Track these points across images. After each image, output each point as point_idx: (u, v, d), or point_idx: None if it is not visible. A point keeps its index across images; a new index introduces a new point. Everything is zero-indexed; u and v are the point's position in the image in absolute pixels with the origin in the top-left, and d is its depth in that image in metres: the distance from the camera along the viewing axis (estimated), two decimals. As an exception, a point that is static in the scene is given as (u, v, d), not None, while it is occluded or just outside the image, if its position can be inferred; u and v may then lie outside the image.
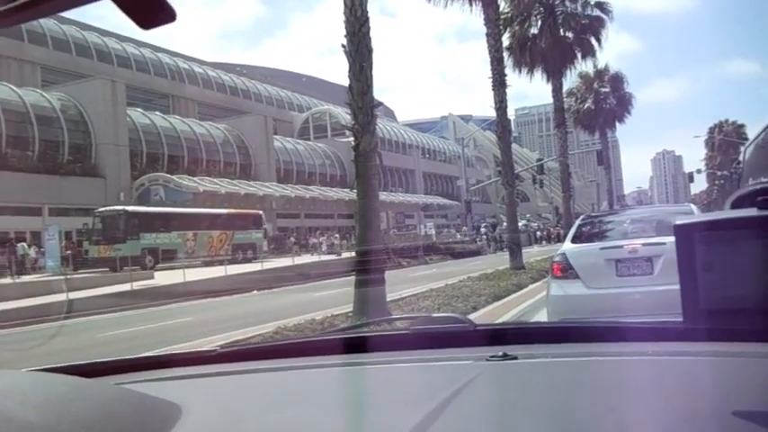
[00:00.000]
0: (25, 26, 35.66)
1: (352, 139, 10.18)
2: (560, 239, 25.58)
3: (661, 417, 0.86)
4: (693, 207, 8.85)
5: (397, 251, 31.21)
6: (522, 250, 19.61)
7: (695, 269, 0.90)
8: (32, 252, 27.34)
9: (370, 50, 9.94)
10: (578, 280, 6.29)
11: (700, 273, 0.90)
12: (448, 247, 38.52)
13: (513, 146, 28.86)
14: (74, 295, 16.18)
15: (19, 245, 27.09)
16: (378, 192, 10.61)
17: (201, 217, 32.26)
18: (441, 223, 56.39)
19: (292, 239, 37.80)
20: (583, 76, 41.16)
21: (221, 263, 25.72)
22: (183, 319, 13.57)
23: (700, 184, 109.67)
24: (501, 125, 19.92)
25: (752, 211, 0.92)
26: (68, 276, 21.52)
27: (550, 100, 30.24)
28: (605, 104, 43.16)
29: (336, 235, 38.64)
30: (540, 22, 27.27)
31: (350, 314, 9.47)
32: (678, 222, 0.93)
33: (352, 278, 9.98)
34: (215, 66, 56.09)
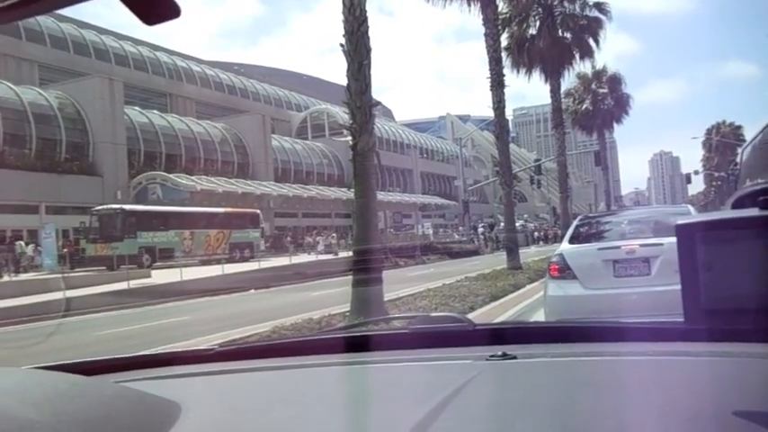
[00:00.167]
0: (23, 24, 35.64)
1: (350, 138, 10.17)
2: (557, 240, 25.61)
3: (661, 417, 0.86)
4: (691, 208, 8.87)
5: (395, 251, 31.21)
6: (520, 250, 19.62)
7: (696, 269, 0.90)
8: (30, 250, 27.31)
9: (368, 50, 9.93)
10: (576, 280, 6.29)
11: (701, 273, 0.90)
12: (445, 247, 38.53)
13: (511, 146, 28.89)
14: (71, 293, 16.16)
15: (17, 243, 27.07)
16: (375, 191, 10.60)
17: (199, 216, 32.24)
18: (438, 223, 56.43)
19: (288, 239, 37.80)
20: (581, 76, 41.21)
21: (218, 262, 25.70)
22: (180, 318, 13.56)
23: (697, 185, 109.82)
24: (499, 125, 19.93)
25: (753, 211, 0.92)
26: (65, 275, 21.48)
27: (548, 100, 30.25)
28: (603, 105, 43.23)
29: (334, 234, 38.63)
30: (538, 23, 27.28)
31: (347, 314, 9.47)
32: (680, 222, 0.93)
33: (350, 278, 9.98)
34: (213, 64, 56.05)
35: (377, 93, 10.64)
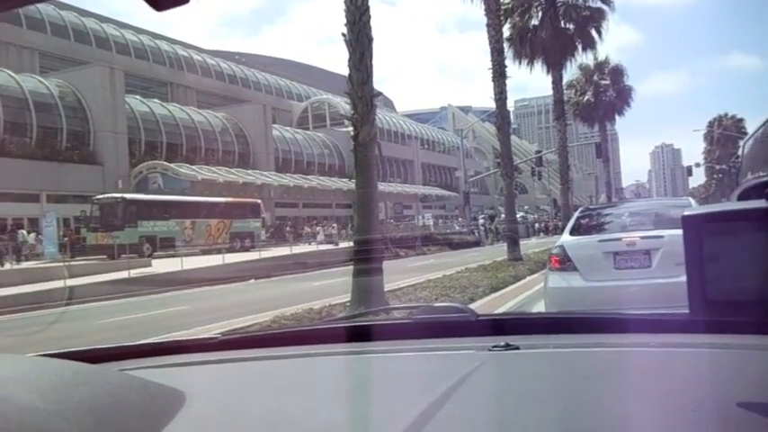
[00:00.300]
0: (24, 11, 35.54)
1: (351, 128, 10.15)
2: (558, 231, 25.61)
3: (665, 408, 0.86)
4: (692, 200, 8.87)
5: (395, 241, 31.25)
6: (521, 242, 19.63)
7: (702, 260, 0.90)
8: (32, 239, 27.32)
9: (370, 39, 9.89)
10: (576, 272, 6.30)
11: (706, 264, 0.90)
12: (446, 238, 38.57)
13: (513, 137, 28.85)
14: (72, 282, 16.20)
15: (19, 232, 27.10)
16: (376, 182, 10.59)
17: (200, 205, 32.25)
18: (439, 214, 56.43)
19: (289, 229, 37.84)
20: (583, 68, 41.08)
21: (219, 251, 25.72)
22: (181, 308, 13.60)
23: (698, 178, 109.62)
24: (500, 116, 19.87)
25: (760, 203, 0.92)
26: (66, 263, 21.51)
27: (550, 92, 30.16)
28: (605, 97, 43.10)
29: (334, 225, 38.64)
30: (540, 14, 27.16)
31: (348, 304, 9.48)
32: (686, 213, 0.93)
33: (350, 268, 9.99)
34: (214, 54, 55.85)
35: (378, 83, 10.61)
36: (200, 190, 34.64)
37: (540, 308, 7.88)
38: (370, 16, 9.90)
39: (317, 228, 37.25)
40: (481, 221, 46.62)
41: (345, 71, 10.04)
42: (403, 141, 60.48)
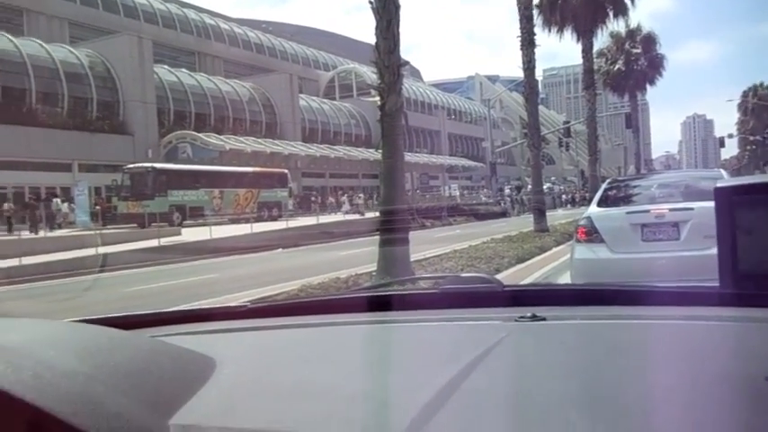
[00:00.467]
0: (53, -19, 35.79)
1: (377, 98, 10.09)
2: (585, 203, 25.34)
3: (691, 380, 0.86)
4: (723, 172, 8.68)
5: (421, 212, 31.19)
6: (547, 213, 19.48)
7: (733, 233, 0.89)
8: (66, 207, 27.84)
9: (397, 7, 9.76)
10: (603, 244, 6.25)
11: (738, 237, 0.88)
12: (472, 209, 38.43)
13: (540, 108, 28.47)
14: (104, 250, 16.50)
15: (53, 200, 27.61)
16: (403, 152, 10.54)
17: (228, 175, 32.50)
18: (465, 185, 56.16)
19: (314, 198, 37.94)
20: (614, 35, 40.12)
21: (247, 221, 25.95)
22: (210, 275, 13.79)
23: (731, 150, 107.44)
24: (528, 86, 19.58)
25: (794, 175, 0.90)
26: (98, 231, 21.91)
27: (579, 61, 29.58)
28: (636, 66, 42.09)
29: (361, 195, 38.69)
30: (571, -21, 26.55)
31: (374, 273, 9.53)
32: (718, 185, 0.92)
33: (376, 238, 10.02)
34: (241, 22, 55.67)
35: (405, 52, 10.49)
36: (228, 160, 34.88)
37: (566, 279, 7.84)
38: (397, -17, 9.77)
39: (343, 198, 37.32)
40: (507, 192, 46.30)
41: (372, 40, 9.95)
42: (430, 111, 60.03)
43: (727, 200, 0.90)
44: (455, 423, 0.75)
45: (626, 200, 7.00)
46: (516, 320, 1.20)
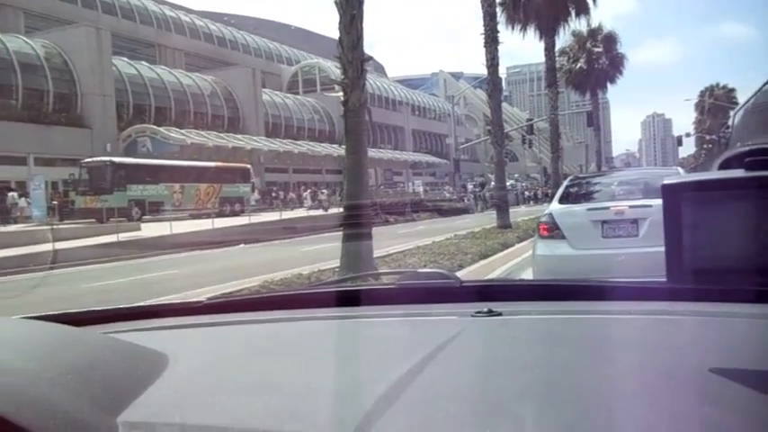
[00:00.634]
0: (7, -31, 34.75)
1: (341, 94, 10.06)
2: (548, 200, 25.71)
3: (640, 372, 0.88)
4: (681, 170, 8.93)
5: (385, 208, 31.23)
6: (510, 209, 19.69)
7: (681, 229, 0.91)
8: (23, 202, 27.14)
9: (360, 2, 9.73)
10: (564, 240, 6.35)
11: (685, 233, 0.90)
12: (435, 205, 38.59)
13: (504, 105, 28.71)
14: (60, 245, 16.13)
15: (9, 194, 26.89)
16: (366, 148, 10.53)
17: (189, 169, 32.07)
18: (429, 181, 56.39)
19: (275, 194, 37.67)
20: (576, 34, 40.80)
21: (208, 216, 25.64)
22: (169, 272, 13.59)
23: (688, 148, 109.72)
24: (492, 83, 19.75)
25: (739, 172, 0.92)
26: (55, 226, 21.42)
27: (542, 59, 29.98)
28: (597, 65, 42.87)
29: (324, 190, 38.59)
30: (534, -22, 26.85)
31: (337, 269, 9.52)
32: (666, 182, 0.93)
33: (340, 233, 10.00)
34: (202, 14, 54.89)
35: (369, 47, 10.50)
36: (189, 154, 34.42)
37: (528, 275, 7.94)
38: (360, -23, 9.74)
39: (305, 193, 37.13)
40: (471, 189, 46.64)
41: (336, 34, 9.91)
42: (394, 107, 60.10)
43: (675, 197, 0.92)
44: (408, 416, 0.76)
45: (587, 197, 7.12)
46: (473, 316, 1.21)
